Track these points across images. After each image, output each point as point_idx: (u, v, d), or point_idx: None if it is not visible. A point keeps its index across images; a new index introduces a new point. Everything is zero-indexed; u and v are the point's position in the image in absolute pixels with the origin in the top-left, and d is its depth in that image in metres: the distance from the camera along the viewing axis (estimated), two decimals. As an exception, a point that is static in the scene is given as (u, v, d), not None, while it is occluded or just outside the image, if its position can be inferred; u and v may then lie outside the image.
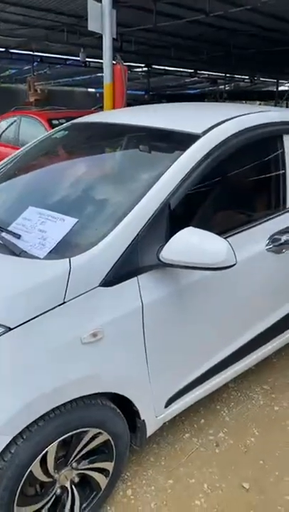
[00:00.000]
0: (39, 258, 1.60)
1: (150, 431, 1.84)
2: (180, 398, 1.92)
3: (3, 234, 1.75)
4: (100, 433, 1.61)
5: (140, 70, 18.84)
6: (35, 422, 1.40)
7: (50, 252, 1.63)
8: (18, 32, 10.98)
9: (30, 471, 1.44)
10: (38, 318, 1.41)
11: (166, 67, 18.35)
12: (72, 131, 2.55)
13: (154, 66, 18.02)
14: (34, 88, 14.05)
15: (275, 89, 22.87)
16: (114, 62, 4.25)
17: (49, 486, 1.54)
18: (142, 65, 17.80)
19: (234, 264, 1.60)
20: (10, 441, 1.37)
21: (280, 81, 23.12)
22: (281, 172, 2.24)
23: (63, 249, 1.62)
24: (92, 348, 1.51)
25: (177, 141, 1.96)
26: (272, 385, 2.57)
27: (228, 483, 1.92)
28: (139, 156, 2.12)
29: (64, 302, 1.47)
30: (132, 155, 2.16)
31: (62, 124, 5.80)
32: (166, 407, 1.87)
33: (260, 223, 2.10)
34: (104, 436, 1.63)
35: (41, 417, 1.42)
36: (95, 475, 1.67)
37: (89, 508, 1.69)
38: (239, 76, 22.03)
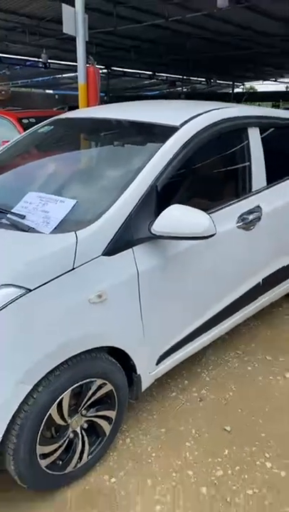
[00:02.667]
0: (45, 234, 1.83)
1: (144, 386, 2.10)
2: (169, 356, 2.20)
3: (9, 215, 1.97)
4: (104, 383, 1.86)
5: (100, 71, 19.06)
6: (52, 371, 1.63)
7: (55, 229, 1.86)
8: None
9: (50, 414, 1.67)
10: (52, 281, 1.64)
11: (126, 69, 18.67)
12: (58, 126, 2.78)
13: (113, 68, 18.28)
14: (-3, 89, 13.95)
15: (230, 91, 23.71)
16: (88, 64, 4.48)
17: (63, 429, 1.77)
18: (102, 66, 18.01)
19: (214, 234, 1.90)
20: (32, 389, 1.59)
21: (235, 83, 24.07)
22: (246, 160, 2.57)
23: (66, 226, 1.86)
24: (98, 307, 1.76)
25: (159, 132, 2.23)
26: (244, 350, 2.90)
27: (213, 428, 2.21)
28: (126, 145, 2.38)
29: (73, 268, 1.71)
30: (119, 145, 2.41)
31: (32, 123, 5.98)
32: (157, 364, 2.14)
33: (231, 204, 2.41)
34: (108, 387, 1.88)
35: (57, 367, 1.65)
36: (101, 422, 1.92)
37: (95, 452, 1.93)
38: (196, 78, 22.70)
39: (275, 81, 21.24)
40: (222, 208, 2.36)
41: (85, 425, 1.87)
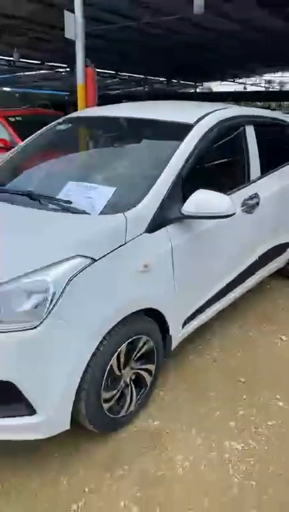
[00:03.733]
0: (95, 215, 2.16)
1: (173, 346, 2.46)
2: (191, 321, 2.57)
3: (58, 201, 2.27)
4: (148, 340, 2.20)
5: (63, 70, 19.11)
6: (114, 327, 1.96)
7: (101, 212, 2.19)
8: None
9: (111, 365, 2.00)
10: (110, 253, 1.97)
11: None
12: (76, 124, 3.08)
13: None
14: None
15: (189, 91, 24.42)
16: (86, 65, 4.77)
17: (118, 379, 2.10)
18: (64, 65, 18.08)
19: (234, 213, 2.29)
20: (99, 342, 1.91)
21: (191, 83, 24.85)
22: (245, 153, 2.99)
23: (110, 209, 2.19)
24: (144, 275, 2.10)
25: (176, 129, 2.60)
26: (243, 321, 3.32)
27: (229, 381, 2.60)
28: (150, 140, 2.72)
29: (125, 243, 2.04)
30: (144, 140, 2.75)
31: (19, 121, 6.15)
32: (182, 327, 2.51)
33: (236, 191, 2.82)
34: (150, 344, 2.23)
35: (117, 324, 1.97)
36: (144, 374, 2.26)
37: (139, 401, 2.27)
38: (156, 78, 23.20)
39: (234, 81, 22.08)
40: (230, 194, 2.75)
41: (133, 376, 2.21)
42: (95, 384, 1.94)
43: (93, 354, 1.89)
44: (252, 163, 3.03)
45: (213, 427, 2.23)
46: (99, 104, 10.61)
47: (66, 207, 2.22)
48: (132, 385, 2.21)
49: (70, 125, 3.09)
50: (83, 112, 3.20)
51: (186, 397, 2.45)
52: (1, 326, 1.73)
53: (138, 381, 2.26)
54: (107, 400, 2.04)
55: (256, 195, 2.97)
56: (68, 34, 4.55)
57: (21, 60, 15.67)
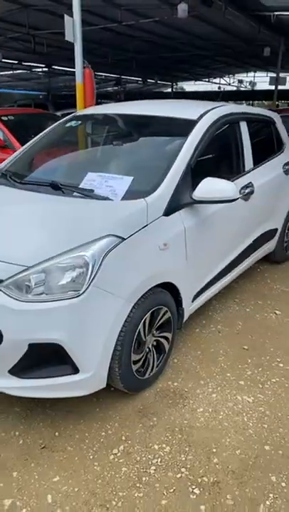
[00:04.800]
0: (117, 201, 2.43)
1: (185, 318, 2.76)
2: (200, 296, 2.88)
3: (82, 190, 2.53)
4: (166, 311, 2.49)
5: (40, 70, 19.18)
6: (142, 296, 2.24)
7: (122, 198, 2.47)
8: None
9: (139, 330, 2.28)
10: (136, 233, 2.25)
11: (66, 68, 18.92)
12: (86, 121, 3.34)
13: (54, 66, 18.47)
14: None
15: (165, 91, 24.82)
16: (84, 66, 5.01)
17: (143, 344, 2.38)
18: (43, 65, 18.16)
19: (238, 198, 2.61)
20: (131, 308, 2.19)
21: (165, 83, 25.30)
22: (241, 146, 3.32)
23: (130, 195, 2.47)
24: (164, 253, 2.40)
25: (181, 124, 2.90)
26: (240, 298, 3.65)
27: (234, 348, 2.93)
28: (159, 135, 3.01)
29: (147, 225, 2.33)
30: (153, 134, 3.03)
31: (11, 120, 6.33)
32: (192, 301, 2.82)
33: (234, 179, 3.14)
34: (168, 314, 2.52)
35: (144, 294, 2.26)
36: (163, 341, 2.55)
37: (160, 366, 2.56)
38: (132, 78, 23.50)
39: (208, 81, 22.59)
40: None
41: (154, 343, 2.50)
42: (127, 346, 2.22)
43: (125, 320, 2.17)
44: (246, 155, 3.36)
45: (226, 385, 2.54)
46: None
47: (90, 194, 2.49)
48: (153, 351, 2.50)
49: (80, 122, 3.35)
50: (91, 110, 3.45)
51: (198, 362, 2.76)
52: (49, 296, 1.99)
53: (158, 347, 2.55)
54: (135, 362, 2.32)
55: (251, 184, 3.30)
56: (68, 37, 4.80)
57: (-2, 60, 15.75)
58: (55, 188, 2.60)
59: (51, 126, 3.48)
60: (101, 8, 9.36)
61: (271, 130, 4.05)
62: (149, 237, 2.32)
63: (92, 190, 2.53)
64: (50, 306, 1.99)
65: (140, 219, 2.32)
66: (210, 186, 2.56)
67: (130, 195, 2.47)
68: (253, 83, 29.00)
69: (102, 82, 23.57)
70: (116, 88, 25.18)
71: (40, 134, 3.43)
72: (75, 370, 2.06)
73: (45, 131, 3.45)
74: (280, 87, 12.94)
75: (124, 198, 2.46)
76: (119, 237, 2.18)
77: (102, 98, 24.90)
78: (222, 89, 24.90)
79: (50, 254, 2.05)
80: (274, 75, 19.25)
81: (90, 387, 2.15)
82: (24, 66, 18.00)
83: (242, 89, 28.53)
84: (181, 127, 2.88)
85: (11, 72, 19.98)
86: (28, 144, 3.39)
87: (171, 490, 1.86)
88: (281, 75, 13.53)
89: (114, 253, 2.13)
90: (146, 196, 2.42)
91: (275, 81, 12.53)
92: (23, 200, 2.59)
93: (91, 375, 2.09)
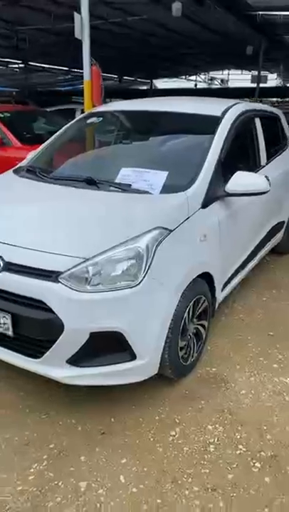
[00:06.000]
0: (156, 195, 2.52)
1: (216, 306, 2.88)
2: (227, 285, 3.01)
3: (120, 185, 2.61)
4: (204, 300, 2.60)
5: (16, 66, 18.86)
6: (187, 286, 2.34)
7: (160, 192, 2.55)
8: None
9: (184, 318, 2.38)
10: (180, 225, 2.35)
11: (43, 65, 18.72)
12: (108, 117, 3.40)
13: (30, 63, 18.21)
14: None
15: (143, 88, 24.87)
16: (91, 63, 5.03)
17: (186, 331, 2.48)
18: (19, 61, 17.87)
19: (269, 190, 2.74)
20: (180, 296, 2.28)
21: (139, 80, 25.38)
22: (256, 142, 3.46)
23: (167, 189, 2.56)
24: (203, 244, 2.50)
25: (207, 120, 3.00)
26: (256, 289, 3.80)
27: (261, 335, 3.07)
28: (186, 130, 3.10)
29: (189, 217, 2.43)
30: (180, 130, 3.11)
31: (8, 117, 6.28)
32: (222, 290, 2.94)
33: (255, 172, 3.27)
34: (205, 303, 2.63)
35: (188, 284, 2.35)
36: (201, 329, 2.66)
37: (198, 351, 2.66)
38: (107, 75, 23.41)
39: (186, 78, 22.82)
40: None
41: (194, 331, 2.60)
42: (175, 333, 2.31)
43: (175, 308, 2.27)
44: (261, 149, 3.51)
45: (262, 369, 2.68)
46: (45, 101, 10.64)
47: (128, 189, 2.56)
48: (194, 338, 2.60)
49: (101, 119, 3.40)
50: (111, 106, 3.51)
51: (230, 348, 2.89)
52: (107, 286, 2.07)
53: (196, 335, 2.65)
54: (181, 348, 2.42)
55: (267, 177, 3.44)
56: (77, 34, 4.82)
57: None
58: (91, 183, 2.66)
59: (71, 123, 3.52)
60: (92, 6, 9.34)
61: (278, 126, 4.22)
62: (191, 228, 2.42)
63: (129, 185, 2.61)
64: (110, 296, 2.06)
65: (183, 211, 2.41)
66: (242, 180, 2.68)
67: (168, 188, 2.55)
68: (225, 81, 29.42)
69: (79, 78, 23.36)
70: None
71: (60, 130, 3.47)
72: (133, 357, 2.14)
73: (64, 127, 3.49)
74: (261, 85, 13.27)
75: (162, 192, 2.55)
76: (167, 229, 2.27)
77: (76, 96, 24.74)
78: (197, 86, 25.19)
79: (106, 247, 2.12)
80: (249, 73, 19.72)
81: (144, 374, 2.23)
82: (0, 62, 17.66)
83: (215, 86, 28.90)
84: (207, 123, 2.98)
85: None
86: (49, 140, 3.42)
87: (234, 465, 1.98)
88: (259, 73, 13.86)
89: (163, 245, 2.21)
90: (185, 190, 2.51)
91: (258, 79, 12.83)
92: (62, 195, 2.63)
93: (146, 361, 2.18)
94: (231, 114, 3.05)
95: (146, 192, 2.53)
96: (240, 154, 3.25)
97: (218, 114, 3.01)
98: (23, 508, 1.75)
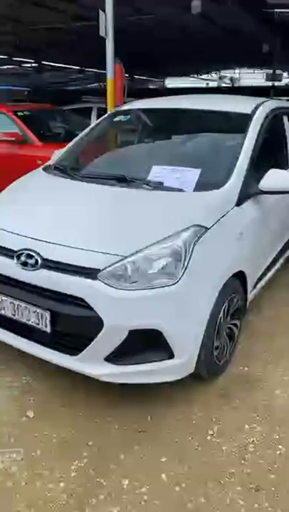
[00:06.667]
0: (190, 192, 2.50)
1: (247, 305, 2.86)
2: (258, 284, 2.98)
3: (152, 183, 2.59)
4: (238, 299, 2.58)
5: (29, 65, 18.94)
6: (224, 284, 2.32)
7: (194, 189, 2.54)
8: None
9: (220, 317, 2.36)
10: (217, 223, 2.33)
11: (56, 64, 18.76)
12: (135, 115, 3.39)
13: (43, 62, 18.27)
14: None
15: (154, 88, 24.82)
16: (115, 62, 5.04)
17: (221, 330, 2.46)
18: (32, 60, 17.94)
19: (303, 188, 2.71)
20: (217, 294, 2.26)
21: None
22: (286, 139, 3.43)
23: (200, 187, 2.54)
24: (239, 242, 2.48)
25: (238, 117, 2.98)
26: (285, 287, 3.76)
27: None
28: (217, 128, 3.08)
29: (224, 215, 2.41)
30: (211, 128, 3.10)
31: (27, 115, 6.30)
32: (253, 289, 2.91)
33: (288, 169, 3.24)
34: (239, 302, 2.61)
35: (225, 282, 2.34)
36: (234, 328, 2.64)
37: (231, 350, 2.64)
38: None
39: (197, 77, 22.74)
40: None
41: (227, 330, 2.58)
42: (211, 332, 2.30)
43: (212, 307, 2.25)
44: (289, 147, 3.48)
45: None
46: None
47: (160, 187, 2.55)
48: (227, 337, 2.59)
49: (128, 117, 3.39)
50: (137, 104, 3.49)
51: (261, 347, 2.87)
52: (146, 284, 2.06)
53: (229, 334, 2.63)
54: (216, 348, 2.41)
55: (295, 176, 3.41)
56: (101, 32, 4.82)
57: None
58: (123, 180, 2.65)
59: (97, 121, 3.52)
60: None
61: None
62: (227, 226, 2.40)
63: (161, 183, 2.60)
64: (149, 294, 2.05)
65: (218, 209, 2.40)
66: (277, 177, 2.65)
67: (202, 186, 2.53)
68: (235, 79, 29.22)
69: (91, 77, 23.39)
70: (100, 84, 25.02)
71: (87, 128, 3.46)
72: (170, 356, 2.13)
73: (91, 125, 3.49)
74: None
75: (196, 190, 2.53)
76: (204, 226, 2.25)
77: (83, 94, 24.74)
78: (209, 85, 25.05)
79: (144, 244, 2.11)
80: (261, 71, 19.59)
81: (181, 372, 2.22)
82: (13, 61, 17.74)
83: (225, 85, 28.73)
84: (238, 121, 2.96)
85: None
86: (77, 138, 3.42)
87: (276, 465, 1.96)
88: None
89: (201, 242, 2.20)
90: (219, 187, 2.50)
91: (272, 77, 12.74)
92: (94, 193, 2.62)
93: (184, 360, 2.17)
94: (261, 112, 3.02)
95: (180, 190, 2.52)
96: (270, 152, 3.21)
97: (249, 111, 2.98)
98: (68, 505, 1.75)
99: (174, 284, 2.07)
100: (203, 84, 23.91)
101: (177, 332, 2.11)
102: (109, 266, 2.07)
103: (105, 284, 2.05)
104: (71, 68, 20.12)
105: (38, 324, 2.19)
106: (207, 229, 2.26)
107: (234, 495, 1.81)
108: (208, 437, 2.11)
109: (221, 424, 2.20)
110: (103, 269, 2.07)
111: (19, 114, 6.11)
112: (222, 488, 1.84)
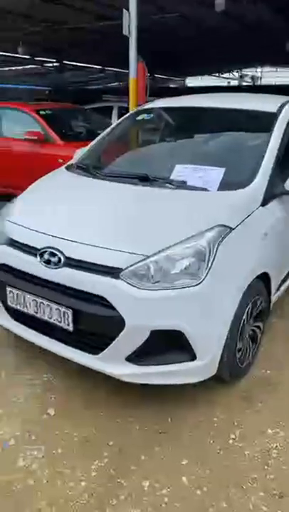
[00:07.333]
0: (214, 191, 2.47)
1: (270, 307, 2.81)
2: (281, 286, 2.92)
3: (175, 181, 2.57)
4: (261, 301, 2.53)
5: (51, 64, 19.11)
6: (248, 285, 2.28)
7: (218, 189, 2.50)
8: None
9: (243, 319, 2.32)
10: (242, 223, 2.29)
11: (77, 63, 18.88)
12: (158, 114, 3.36)
13: (65, 62, 18.40)
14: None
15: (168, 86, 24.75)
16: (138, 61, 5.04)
17: (244, 333, 2.42)
18: (53, 60, 18.10)
19: None
20: (241, 297, 2.22)
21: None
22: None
23: (225, 186, 2.50)
24: (264, 242, 2.44)
25: (263, 116, 2.92)
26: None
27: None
28: (241, 126, 3.03)
29: (249, 215, 2.37)
30: (235, 126, 3.05)
31: (48, 114, 6.34)
32: (276, 291, 2.86)
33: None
34: (263, 304, 2.56)
35: (249, 284, 2.29)
36: (256, 330, 2.59)
37: (253, 353, 2.59)
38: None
39: (219, 76, 22.58)
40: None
41: (250, 332, 2.54)
42: (234, 335, 2.26)
43: (236, 309, 2.21)
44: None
45: None
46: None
47: (184, 186, 2.52)
48: (249, 340, 2.54)
49: (152, 115, 3.38)
50: (160, 103, 3.47)
51: (284, 350, 2.81)
52: (169, 284, 2.04)
53: (252, 337, 2.59)
54: (239, 350, 2.37)
55: None
56: (125, 31, 4.83)
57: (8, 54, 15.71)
58: (145, 179, 2.63)
59: (120, 120, 3.51)
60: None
61: None
62: (252, 227, 2.36)
63: (184, 182, 2.57)
64: (172, 294, 2.03)
65: (243, 209, 2.36)
66: (303, 177, 2.59)
67: (226, 185, 2.50)
68: (256, 78, 28.85)
69: (111, 76, 23.48)
70: (121, 83, 25.07)
71: (109, 127, 3.46)
72: (193, 357, 2.10)
73: (113, 124, 3.48)
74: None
75: (220, 189, 2.49)
76: (228, 227, 2.22)
77: (104, 93, 24.79)
78: (230, 83, 24.83)
79: (167, 244, 2.09)
80: (284, 70, 19.29)
81: (203, 375, 2.19)
82: (36, 61, 17.92)
83: (246, 83, 28.40)
84: (263, 119, 2.91)
85: (22, 67, 19.95)
86: (100, 137, 3.42)
87: (300, 472, 1.91)
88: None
89: (225, 243, 2.16)
90: (244, 187, 2.45)
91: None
92: (117, 192, 2.61)
93: (206, 362, 2.14)
94: (287, 111, 2.96)
95: (203, 189, 2.49)
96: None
97: (274, 110, 2.92)
98: (88, 504, 1.75)
99: (197, 285, 2.04)
100: (224, 83, 23.63)
101: (200, 333, 2.08)
102: (132, 265, 2.06)
103: (127, 283, 2.04)
104: (92, 67, 20.13)
105: (59, 322, 2.19)
106: (232, 229, 2.22)
107: (257, 501, 1.77)
108: (230, 441, 2.08)
109: (243, 428, 2.16)
110: (125, 269, 2.05)
111: (41, 113, 6.16)
112: (244, 493, 1.81)
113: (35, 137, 5.86)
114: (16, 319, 2.45)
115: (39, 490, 1.81)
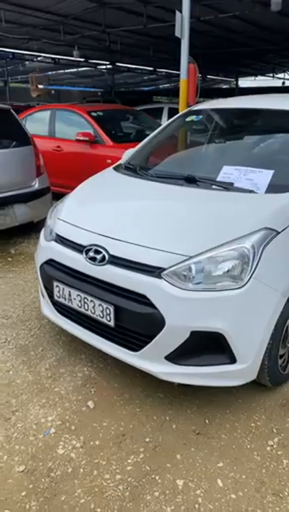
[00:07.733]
0: (261, 194, 2.43)
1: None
2: None
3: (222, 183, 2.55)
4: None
5: (104, 67, 19.50)
6: (292, 292, 2.23)
7: (266, 191, 2.46)
8: None
9: (287, 325, 2.27)
10: (288, 227, 2.24)
11: (130, 65, 19.11)
12: (207, 115, 3.36)
13: (117, 64, 18.69)
14: (36, 84, 14.80)
15: (220, 87, 24.46)
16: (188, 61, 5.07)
17: (287, 338, 2.36)
18: (107, 62, 18.43)
19: None
20: (285, 302, 2.17)
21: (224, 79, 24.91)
22: None
23: (273, 188, 2.45)
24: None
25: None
26: None
27: None
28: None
29: (298, 217, 2.31)
30: (283, 128, 2.99)
31: (100, 115, 6.47)
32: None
33: None
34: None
35: (293, 290, 2.24)
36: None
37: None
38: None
39: (273, 77, 22.06)
40: None
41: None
42: (277, 340, 2.22)
43: (280, 314, 2.17)
44: None
45: None
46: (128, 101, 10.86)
47: (230, 188, 2.50)
48: (291, 346, 2.48)
49: (200, 117, 3.37)
50: (209, 104, 3.46)
51: None
52: (211, 286, 2.03)
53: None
54: (281, 356, 2.32)
55: None
56: (177, 33, 4.87)
57: (64, 57, 16.21)
58: (192, 181, 2.64)
59: (169, 121, 3.53)
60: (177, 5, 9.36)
61: None
62: (299, 231, 2.31)
63: (231, 184, 2.55)
64: (214, 296, 2.03)
65: (290, 213, 2.31)
66: None
67: (274, 188, 2.45)
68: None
69: (162, 78, 23.59)
70: (171, 85, 25.10)
71: (158, 128, 3.50)
72: (232, 360, 2.09)
73: (162, 125, 3.51)
74: None
75: (268, 191, 2.45)
76: (274, 230, 2.18)
77: (154, 95, 24.90)
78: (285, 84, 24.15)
79: (211, 245, 2.09)
80: None
81: (242, 378, 2.17)
82: (90, 63, 18.34)
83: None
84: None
85: (76, 69, 20.51)
86: (148, 138, 3.46)
87: None
88: None
89: (271, 246, 2.13)
90: (282, 192, 2.39)
91: None
92: (163, 192, 2.64)
93: (246, 366, 2.11)
94: None
95: (251, 191, 2.46)
96: None
97: None
98: (122, 496, 1.78)
99: (239, 288, 2.02)
100: (278, 84, 23.03)
101: (241, 337, 2.06)
102: (174, 265, 2.08)
103: (169, 283, 2.06)
104: (143, 69, 20.32)
105: (102, 318, 2.25)
106: (278, 232, 2.18)
107: (294, 511, 1.73)
108: (268, 448, 2.04)
109: (282, 435, 2.11)
110: (167, 268, 2.08)
111: (93, 114, 6.32)
112: (281, 501, 1.77)
113: (86, 138, 6.03)
114: (61, 313, 2.55)
115: (76, 478, 1.87)
